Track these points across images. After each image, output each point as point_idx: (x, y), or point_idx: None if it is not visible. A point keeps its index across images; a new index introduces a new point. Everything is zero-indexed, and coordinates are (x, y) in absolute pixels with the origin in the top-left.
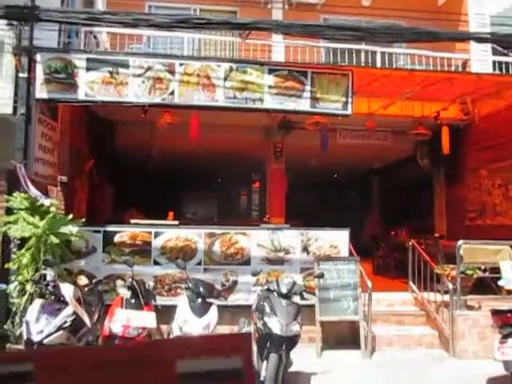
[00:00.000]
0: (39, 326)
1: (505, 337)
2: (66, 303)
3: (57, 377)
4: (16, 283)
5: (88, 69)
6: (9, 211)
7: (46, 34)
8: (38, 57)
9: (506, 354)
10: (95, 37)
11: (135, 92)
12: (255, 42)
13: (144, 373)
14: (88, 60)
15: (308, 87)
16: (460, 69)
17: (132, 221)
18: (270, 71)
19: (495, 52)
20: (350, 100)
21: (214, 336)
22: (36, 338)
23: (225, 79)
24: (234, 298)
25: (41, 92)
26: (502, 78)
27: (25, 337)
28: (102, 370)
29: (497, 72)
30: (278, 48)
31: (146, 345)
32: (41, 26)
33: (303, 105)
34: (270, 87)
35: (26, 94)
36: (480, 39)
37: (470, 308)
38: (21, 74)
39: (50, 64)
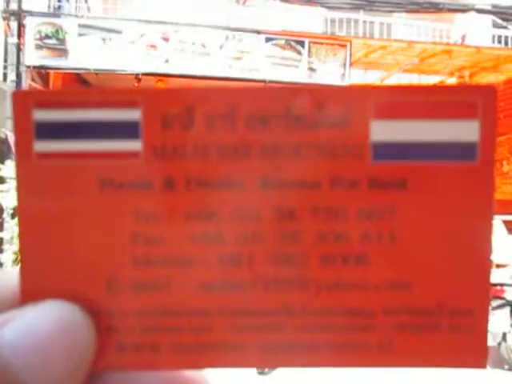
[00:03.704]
0: None
1: (493, 309)
2: None
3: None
4: (10, 253)
5: (80, 35)
6: (1, 180)
7: None
8: (28, 21)
9: (494, 326)
10: (86, 1)
11: (128, 60)
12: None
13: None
14: (80, 26)
15: (305, 57)
16: (459, 42)
17: None
18: (267, 40)
19: (495, 25)
20: (347, 71)
21: (434, 87)
22: None
23: (220, 48)
24: None
25: (31, 58)
26: (501, 51)
27: None
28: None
29: (496, 45)
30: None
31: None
32: None
33: (300, 75)
34: (267, 57)
35: (15, 60)
36: (481, 11)
37: None
38: (10, 40)
39: (40, 29)
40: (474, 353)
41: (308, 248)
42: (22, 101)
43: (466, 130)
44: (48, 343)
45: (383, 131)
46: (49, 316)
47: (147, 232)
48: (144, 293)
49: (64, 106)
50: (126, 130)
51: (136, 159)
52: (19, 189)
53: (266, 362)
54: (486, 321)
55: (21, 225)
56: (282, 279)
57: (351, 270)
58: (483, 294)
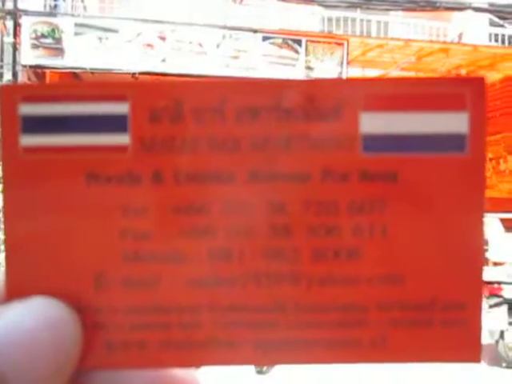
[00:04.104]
0: None
1: (491, 307)
2: None
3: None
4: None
5: (76, 34)
6: None
7: None
8: (24, 20)
9: (492, 323)
10: (82, 0)
11: (125, 59)
12: (249, 9)
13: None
14: (76, 25)
15: (302, 56)
16: (456, 40)
17: None
18: (264, 39)
19: (491, 23)
20: (344, 70)
21: (423, 79)
22: None
23: (217, 47)
24: None
25: (27, 57)
26: (497, 50)
27: None
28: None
29: (493, 43)
30: (273, 15)
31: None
32: None
33: (297, 74)
34: (264, 55)
35: (11, 59)
36: (478, 9)
37: None
38: (6, 39)
39: (36, 28)
40: (468, 347)
41: (299, 242)
42: (9, 95)
43: (455, 122)
44: (33, 340)
45: (373, 123)
46: (34, 312)
47: (136, 227)
48: (133, 289)
49: (51, 99)
50: (114, 123)
51: (124, 153)
52: (5, 183)
53: (257, 359)
54: (479, 315)
55: (6, 220)
56: (274, 274)
57: (343, 264)
58: (476, 287)
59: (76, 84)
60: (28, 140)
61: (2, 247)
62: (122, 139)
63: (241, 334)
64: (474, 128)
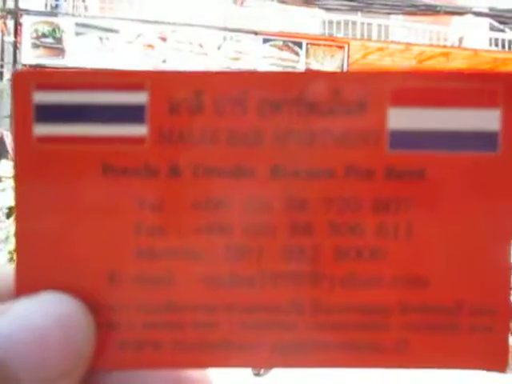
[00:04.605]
0: None
1: None
2: None
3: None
4: (5, 252)
5: (77, 34)
6: None
7: None
8: (25, 20)
9: None
10: (83, 0)
11: (125, 59)
12: (250, 10)
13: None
14: (77, 25)
15: (303, 58)
16: (457, 44)
17: None
18: (265, 41)
19: (492, 28)
20: None
21: (454, 73)
22: None
23: (218, 48)
24: None
25: (28, 57)
26: (498, 54)
27: None
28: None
29: (493, 48)
30: (273, 18)
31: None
32: None
33: None
34: (265, 57)
35: (12, 59)
36: (478, 14)
37: None
38: (6, 38)
39: (37, 28)
40: (494, 355)
41: (320, 241)
42: (22, 82)
43: (486, 119)
44: (44, 337)
45: (401, 119)
46: (44, 308)
47: (151, 222)
48: (147, 286)
49: (66, 87)
50: (132, 113)
51: (141, 145)
52: (17, 174)
53: (274, 362)
54: (508, 322)
55: (18, 213)
56: (293, 274)
57: (366, 264)
58: (504, 292)
59: (93, 72)
60: (42, 129)
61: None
62: (140, 130)
63: (257, 336)
64: (506, 126)
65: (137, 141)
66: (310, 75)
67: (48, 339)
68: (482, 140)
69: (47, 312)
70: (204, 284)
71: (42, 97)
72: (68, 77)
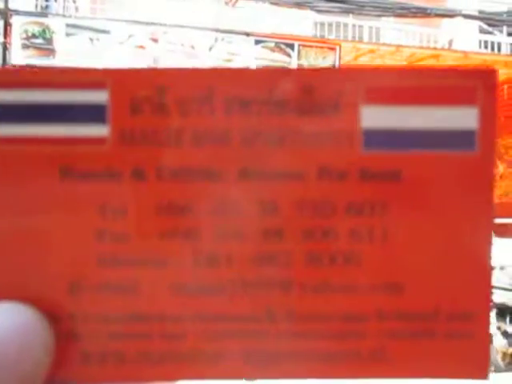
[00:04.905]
0: None
1: None
2: None
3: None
4: None
5: (67, 34)
6: None
7: None
8: (15, 20)
9: None
10: (74, 0)
11: (116, 60)
12: (242, 12)
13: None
14: (67, 25)
15: (295, 60)
16: (446, 46)
17: None
18: (257, 42)
19: (481, 31)
20: None
21: (430, 70)
22: None
23: (209, 50)
24: None
25: (18, 57)
26: (487, 56)
27: None
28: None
29: (482, 50)
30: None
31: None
32: None
33: None
34: (256, 59)
35: (1, 59)
36: (468, 16)
37: None
38: None
39: (27, 28)
40: (475, 362)
41: (292, 246)
42: None
43: (464, 117)
44: (0, 347)
45: (375, 118)
46: (1, 318)
47: (114, 228)
48: (110, 295)
49: (25, 85)
50: (92, 113)
51: (102, 146)
52: None
53: (246, 373)
54: (488, 327)
55: None
56: (264, 281)
57: (339, 270)
58: (484, 296)
59: (52, 70)
60: (0, 130)
61: None
62: (101, 131)
63: (228, 346)
64: (484, 124)
65: (98, 141)
66: (280, 72)
67: (4, 349)
68: (459, 139)
69: (3, 322)
70: (171, 292)
71: (0, 96)
72: (27, 75)
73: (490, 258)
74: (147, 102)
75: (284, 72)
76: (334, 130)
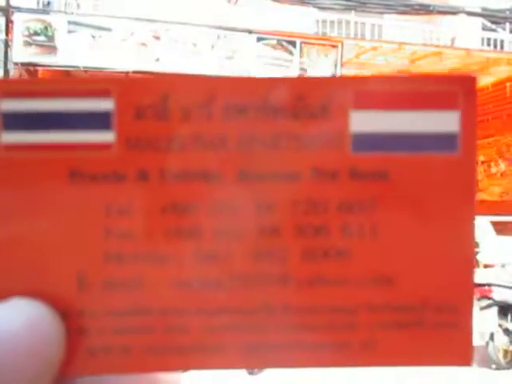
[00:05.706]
0: None
1: (481, 309)
2: None
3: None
4: None
5: (69, 32)
6: None
7: None
8: (16, 17)
9: (482, 325)
10: None
11: (118, 58)
12: (244, 9)
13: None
14: (69, 22)
15: (297, 57)
16: (449, 44)
17: None
18: (259, 40)
19: (484, 28)
20: (338, 72)
21: (414, 77)
22: None
23: (212, 47)
24: None
25: (19, 55)
26: (490, 54)
27: None
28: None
29: (485, 48)
30: (267, 16)
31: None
32: None
33: (291, 75)
34: (258, 56)
35: (3, 56)
36: (471, 13)
37: None
38: None
39: (28, 25)
40: (459, 350)
41: (288, 242)
42: None
43: (446, 121)
44: (13, 343)
45: (363, 122)
46: (14, 314)
47: (120, 226)
48: (117, 291)
49: (34, 95)
50: (98, 120)
51: (108, 151)
52: None
53: (246, 363)
54: (471, 318)
55: None
56: (262, 276)
57: (332, 264)
58: (467, 289)
59: (59, 79)
60: (10, 137)
61: None
62: (107, 137)
63: (229, 338)
64: (465, 127)
65: (104, 147)
66: (274, 80)
67: (17, 344)
68: (442, 141)
69: (16, 317)
70: (174, 288)
71: (9, 105)
72: (35, 85)
73: (472, 253)
74: (151, 108)
75: (277, 80)
76: (325, 134)
